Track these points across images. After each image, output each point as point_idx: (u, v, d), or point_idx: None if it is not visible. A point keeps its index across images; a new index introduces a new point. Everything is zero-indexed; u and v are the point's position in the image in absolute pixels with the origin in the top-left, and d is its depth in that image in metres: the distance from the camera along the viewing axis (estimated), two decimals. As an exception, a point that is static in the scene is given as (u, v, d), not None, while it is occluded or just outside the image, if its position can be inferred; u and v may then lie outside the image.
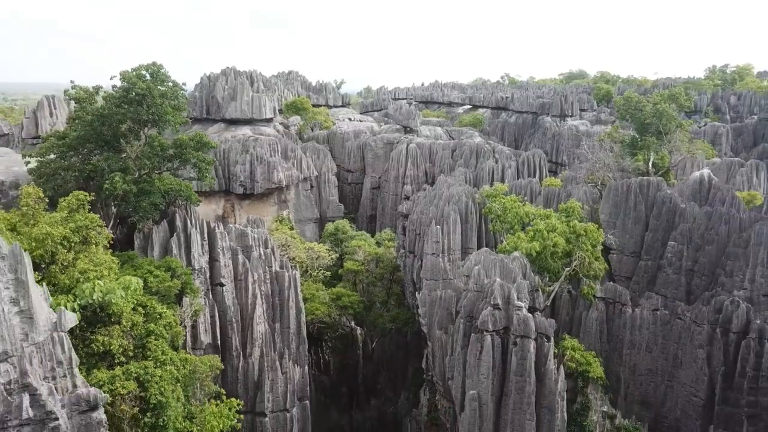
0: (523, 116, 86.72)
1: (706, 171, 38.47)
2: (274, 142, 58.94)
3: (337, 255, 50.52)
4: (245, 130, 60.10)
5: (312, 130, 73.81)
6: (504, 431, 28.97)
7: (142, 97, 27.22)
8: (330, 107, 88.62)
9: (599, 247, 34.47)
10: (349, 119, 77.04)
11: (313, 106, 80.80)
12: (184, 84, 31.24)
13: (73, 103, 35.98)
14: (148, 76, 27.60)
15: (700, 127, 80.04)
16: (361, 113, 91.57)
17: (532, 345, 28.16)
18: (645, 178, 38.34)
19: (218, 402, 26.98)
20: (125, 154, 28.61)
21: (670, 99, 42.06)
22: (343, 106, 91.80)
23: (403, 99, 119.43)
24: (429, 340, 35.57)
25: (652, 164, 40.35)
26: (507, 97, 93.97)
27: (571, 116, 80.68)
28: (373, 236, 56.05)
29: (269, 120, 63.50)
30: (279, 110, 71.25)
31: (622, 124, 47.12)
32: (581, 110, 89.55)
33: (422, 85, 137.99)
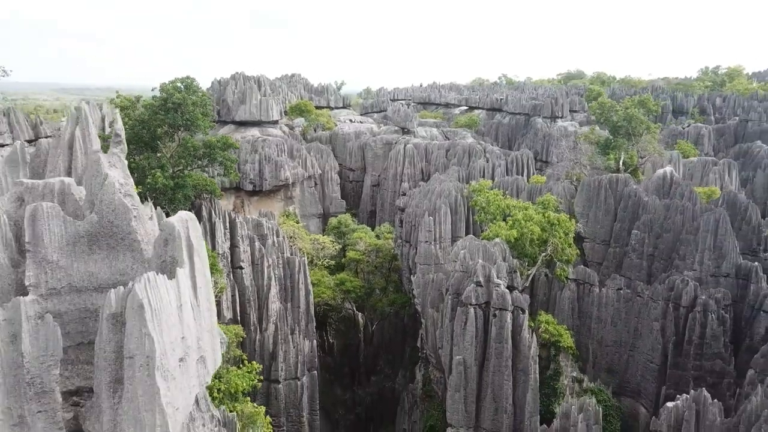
0: (516, 117, 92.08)
1: (668, 168, 43.91)
2: (280, 142, 64.40)
3: (340, 246, 55.96)
4: (254, 132, 65.55)
5: (315, 131, 79.26)
6: (485, 391, 34.33)
7: (178, 106, 32.67)
8: (331, 108, 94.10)
9: (571, 235, 39.87)
10: (350, 120, 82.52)
11: (316, 107, 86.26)
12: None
13: (104, 108, 41.49)
14: (182, 88, 33.07)
15: (683, 128, 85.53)
16: (361, 114, 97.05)
17: (509, 316, 33.52)
18: (615, 174, 43.81)
19: (241, 365, 32.39)
20: (161, 154, 34.09)
21: (639, 104, 47.48)
22: (344, 107, 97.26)
23: (401, 100, 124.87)
24: (423, 317, 40.98)
25: (622, 162, 45.79)
26: (501, 99, 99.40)
27: (561, 117, 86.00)
28: (373, 230, 61.43)
29: (276, 122, 68.99)
30: (284, 112, 76.66)
31: (599, 126, 52.48)
32: (573, 111, 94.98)
33: (420, 86, 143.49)
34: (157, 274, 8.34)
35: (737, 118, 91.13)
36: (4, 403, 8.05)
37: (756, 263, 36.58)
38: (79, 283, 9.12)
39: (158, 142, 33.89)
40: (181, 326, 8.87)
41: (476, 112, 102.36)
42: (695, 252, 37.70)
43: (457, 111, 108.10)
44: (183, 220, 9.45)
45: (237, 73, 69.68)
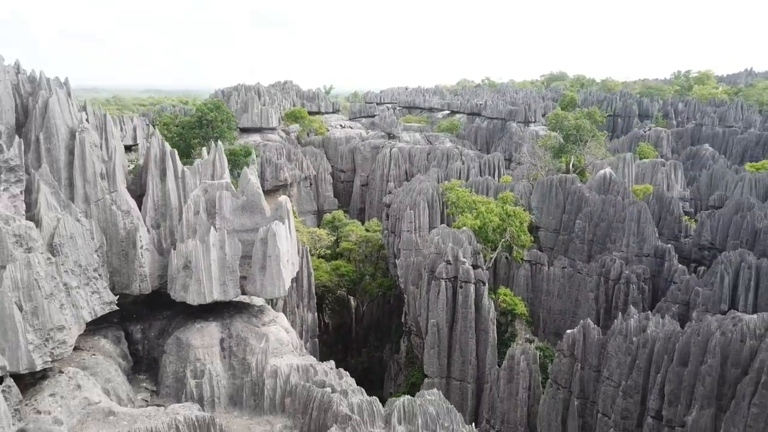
0: (494, 122, 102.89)
1: (608, 170, 54.69)
2: (279, 146, 74.45)
3: (335, 238, 66.15)
4: (255, 137, 75.47)
5: (308, 135, 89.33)
6: (454, 347, 44.70)
7: (210, 122, 42.82)
8: (322, 113, 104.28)
9: (526, 225, 50.39)
10: (341, 126, 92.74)
11: (309, 113, 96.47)
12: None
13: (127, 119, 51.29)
14: (214, 109, 43.17)
15: (645, 132, 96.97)
16: (350, 119, 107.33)
17: (472, 288, 43.91)
18: (564, 175, 54.50)
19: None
20: (194, 161, 44.27)
21: (587, 116, 58.30)
22: (333, 112, 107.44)
23: (388, 103, 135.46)
24: (405, 293, 51.27)
25: (572, 165, 56.54)
26: (481, 104, 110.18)
27: (534, 122, 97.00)
28: (363, 224, 71.64)
29: (274, 128, 78.98)
30: (281, 119, 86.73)
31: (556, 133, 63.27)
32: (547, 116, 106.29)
33: (407, 89, 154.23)
34: (277, 223, 18.33)
35: (694, 122, 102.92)
36: (220, 279, 18.06)
37: (669, 245, 47.35)
38: (238, 227, 19.05)
39: (192, 150, 43.92)
40: (288, 245, 18.87)
41: (458, 116, 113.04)
42: (623, 237, 48.48)
43: (440, 115, 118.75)
44: (284, 199, 19.40)
45: (239, 84, 79.59)
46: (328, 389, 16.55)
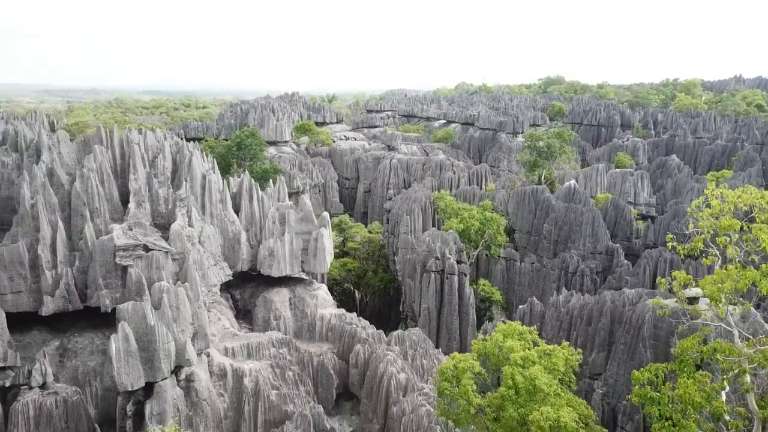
0: (485, 132, 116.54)
1: (573, 182, 68.38)
2: (292, 158, 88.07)
3: (342, 239, 79.74)
4: (271, 150, 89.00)
5: (315, 146, 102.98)
6: (442, 327, 58.33)
7: (247, 146, 56.46)
8: (327, 123, 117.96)
9: (502, 228, 64.00)
10: (345, 137, 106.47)
11: (315, 123, 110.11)
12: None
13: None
14: (250, 135, 56.73)
15: (623, 142, 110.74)
16: (353, 129, 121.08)
17: (456, 278, 57.50)
18: (536, 186, 68.19)
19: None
20: (233, 176, 57.87)
21: (556, 136, 72.07)
22: (338, 122, 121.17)
23: (388, 110, 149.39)
24: (403, 285, 64.85)
25: (544, 177, 70.25)
26: (474, 115, 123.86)
27: (521, 133, 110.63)
28: (366, 227, 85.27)
29: (287, 141, 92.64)
30: (291, 133, 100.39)
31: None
32: (537, 125, 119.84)
33: (405, 96, 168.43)
34: (322, 228, 31.85)
35: (669, 132, 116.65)
36: (290, 261, 31.62)
37: (618, 245, 61.04)
38: (299, 231, 32.52)
39: (231, 168, 57.59)
40: (328, 242, 32.43)
41: (453, 126, 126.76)
42: (580, 238, 62.18)
43: (436, 124, 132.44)
44: (326, 214, 33.03)
45: (256, 101, 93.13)
46: (354, 325, 30.08)
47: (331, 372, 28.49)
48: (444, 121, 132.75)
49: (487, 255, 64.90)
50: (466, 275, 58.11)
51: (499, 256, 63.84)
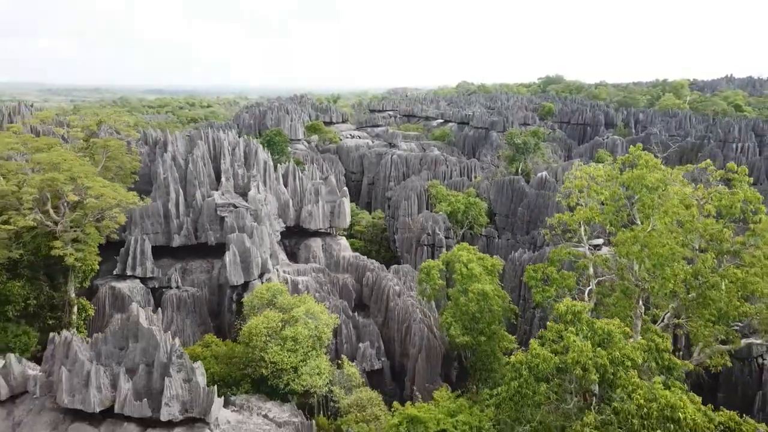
0: (479, 131, 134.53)
1: (544, 173, 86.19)
2: (305, 154, 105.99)
3: (349, 223, 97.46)
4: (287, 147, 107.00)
5: (324, 143, 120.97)
6: (433, 289, 76.11)
7: (276, 143, 74.41)
8: (333, 123, 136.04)
9: (484, 211, 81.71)
10: (350, 136, 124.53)
11: (323, 123, 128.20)
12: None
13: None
14: (277, 134, 74.56)
15: (604, 140, 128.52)
16: (357, 128, 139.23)
17: (444, 250, 75.34)
18: (513, 177, 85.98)
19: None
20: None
21: (532, 134, 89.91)
22: (343, 122, 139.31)
23: (390, 110, 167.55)
24: (401, 260, 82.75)
25: (520, 170, 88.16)
26: (469, 115, 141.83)
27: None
28: (370, 214, 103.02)
29: (300, 139, 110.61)
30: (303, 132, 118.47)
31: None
32: (527, 125, 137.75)
33: (407, 96, 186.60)
34: (343, 198, 49.57)
35: (646, 131, 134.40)
36: (323, 219, 49.22)
37: (577, 224, 78.82)
38: (328, 199, 50.41)
39: (262, 161, 75.57)
40: (347, 207, 50.26)
41: (450, 125, 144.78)
42: (546, 219, 79.97)
43: (435, 123, 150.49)
44: (345, 190, 50.48)
45: (272, 103, 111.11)
46: (366, 262, 47.89)
47: (351, 289, 46.03)
48: (441, 121, 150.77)
49: (471, 233, 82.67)
50: (451, 247, 75.86)
51: (481, 234, 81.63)
